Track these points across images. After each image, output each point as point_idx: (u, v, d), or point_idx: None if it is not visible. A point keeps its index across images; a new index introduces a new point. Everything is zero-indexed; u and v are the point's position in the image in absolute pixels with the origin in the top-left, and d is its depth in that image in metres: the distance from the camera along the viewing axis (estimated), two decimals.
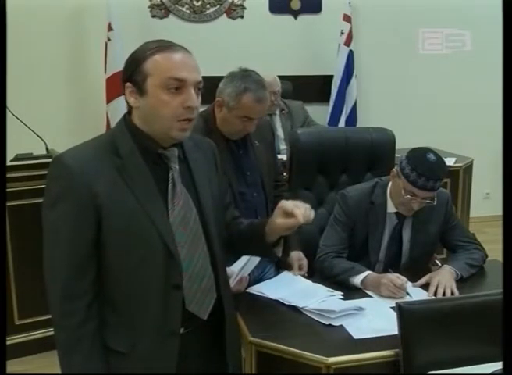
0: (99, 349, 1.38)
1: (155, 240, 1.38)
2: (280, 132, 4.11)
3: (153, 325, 1.41)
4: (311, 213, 1.55)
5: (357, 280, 2.16)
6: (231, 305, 1.60)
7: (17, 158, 3.09)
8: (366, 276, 2.15)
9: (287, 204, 1.52)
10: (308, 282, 2.22)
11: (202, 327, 1.50)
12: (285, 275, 2.29)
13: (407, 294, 2.07)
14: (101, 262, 1.39)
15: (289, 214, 1.51)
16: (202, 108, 2.34)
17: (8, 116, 3.20)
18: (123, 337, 1.41)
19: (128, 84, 1.40)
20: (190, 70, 1.39)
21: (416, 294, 2.09)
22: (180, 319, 1.43)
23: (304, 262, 2.35)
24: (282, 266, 2.38)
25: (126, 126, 1.44)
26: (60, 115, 4.48)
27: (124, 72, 1.43)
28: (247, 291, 2.14)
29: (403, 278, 2.09)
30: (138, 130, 1.42)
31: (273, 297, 2.07)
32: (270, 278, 2.31)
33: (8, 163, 2.91)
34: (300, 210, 1.51)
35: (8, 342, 2.59)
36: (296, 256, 2.33)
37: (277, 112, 4.16)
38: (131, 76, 1.40)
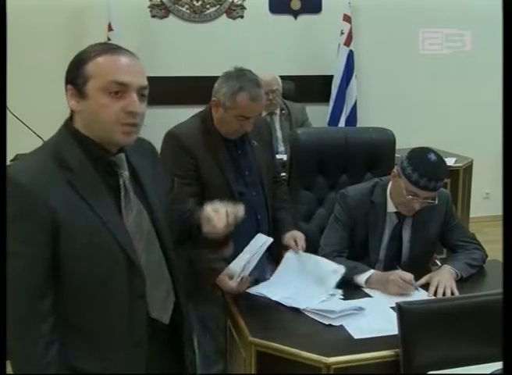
0: (66, 372, 1.33)
1: (116, 251, 1.34)
2: (279, 133, 4.10)
3: (119, 339, 1.38)
4: (232, 215, 1.60)
5: (361, 278, 2.17)
6: (186, 305, 1.59)
7: (17, 158, 3.09)
8: (371, 275, 2.16)
9: (207, 211, 1.59)
10: (314, 258, 2.20)
11: (161, 331, 1.48)
12: (286, 265, 2.26)
13: (416, 288, 2.08)
14: (60, 281, 1.32)
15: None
16: (201, 108, 2.36)
17: (9, 115, 3.20)
18: (87, 356, 1.36)
19: (69, 87, 1.34)
20: (133, 74, 1.34)
21: (416, 294, 2.10)
22: (146, 328, 1.41)
23: (299, 234, 2.29)
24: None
25: (70, 134, 1.37)
26: (60, 115, 4.47)
27: (66, 74, 1.36)
28: (247, 291, 2.14)
29: (410, 274, 2.10)
30: (83, 136, 1.36)
31: (274, 298, 2.07)
32: (269, 279, 2.31)
33: (9, 163, 2.90)
34: (218, 216, 1.57)
35: None
36: (290, 235, 2.29)
37: (277, 111, 4.14)
38: (73, 78, 1.34)
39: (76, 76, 1.33)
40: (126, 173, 1.41)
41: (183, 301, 1.55)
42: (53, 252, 1.30)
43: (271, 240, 2.12)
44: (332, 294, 2.10)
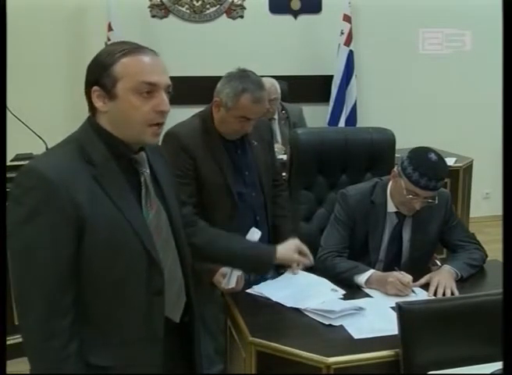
0: (83, 367, 1.33)
1: (138, 247, 1.36)
2: (279, 138, 4.09)
3: (136, 334, 1.39)
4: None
5: (361, 278, 2.17)
6: (197, 305, 1.60)
7: (17, 158, 3.09)
8: (371, 275, 2.16)
9: (304, 247, 1.97)
10: (312, 276, 2.19)
11: (172, 330, 1.49)
12: (286, 276, 2.28)
13: (413, 291, 2.08)
14: (82, 276, 1.32)
15: (302, 254, 1.94)
16: (201, 108, 2.36)
17: (9, 115, 3.20)
18: (104, 351, 1.36)
19: (96, 88, 1.34)
20: (160, 74, 1.36)
21: (416, 294, 2.09)
22: (162, 325, 1.42)
23: (304, 248, 2.13)
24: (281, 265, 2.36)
25: (93, 130, 1.38)
26: (60, 115, 4.48)
27: (89, 75, 1.37)
28: (247, 291, 2.14)
29: (409, 276, 2.10)
30: (108, 134, 1.37)
31: (274, 298, 2.06)
32: (269, 278, 2.30)
33: (8, 163, 2.91)
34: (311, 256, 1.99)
35: (8, 342, 2.59)
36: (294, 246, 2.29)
37: (276, 117, 4.12)
38: (98, 79, 1.34)
39: (102, 77, 1.34)
40: (147, 171, 1.42)
41: (194, 301, 1.56)
42: (77, 246, 1.30)
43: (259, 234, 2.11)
44: (333, 290, 2.10)
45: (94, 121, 1.39)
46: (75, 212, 1.28)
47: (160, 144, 2.23)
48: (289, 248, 1.95)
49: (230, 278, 2.02)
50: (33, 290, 1.29)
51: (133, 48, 1.36)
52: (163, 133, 2.25)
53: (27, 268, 1.29)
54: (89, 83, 1.37)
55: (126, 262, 1.35)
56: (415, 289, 2.11)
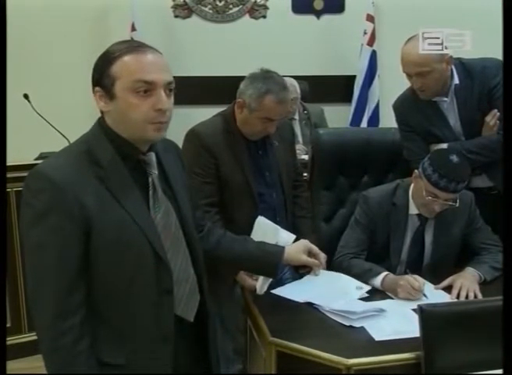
0: (94, 365, 1.34)
1: (145, 247, 1.37)
2: (300, 138, 4.08)
3: (146, 333, 1.40)
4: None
5: (376, 281, 2.15)
6: (212, 304, 1.61)
7: (41, 156, 3.13)
8: (384, 278, 2.14)
9: (314, 247, 1.89)
10: (334, 275, 2.17)
11: (186, 329, 1.49)
12: (308, 278, 2.26)
13: (424, 295, 2.06)
14: (91, 275, 1.34)
15: (312, 254, 1.87)
16: (223, 108, 2.36)
17: (34, 114, 3.25)
18: (116, 350, 1.38)
19: (97, 89, 1.36)
20: (159, 71, 1.35)
21: (438, 296, 2.08)
22: (173, 324, 1.42)
23: (314, 248, 2.03)
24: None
25: (103, 132, 1.39)
26: (84, 114, 4.51)
27: (92, 75, 1.38)
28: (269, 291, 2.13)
29: (421, 280, 2.08)
30: (116, 135, 1.38)
31: (296, 299, 2.06)
32: (288, 278, 2.29)
33: (32, 162, 2.95)
34: (322, 257, 1.90)
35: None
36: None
37: (297, 116, 4.11)
38: (99, 79, 1.36)
39: (102, 77, 1.35)
40: (155, 172, 1.43)
41: (208, 300, 1.57)
42: (84, 247, 1.32)
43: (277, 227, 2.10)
44: (358, 287, 2.09)
45: (103, 122, 1.41)
46: (81, 213, 1.30)
47: (182, 143, 2.26)
48: (297, 248, 1.89)
49: (264, 284, 2.00)
50: (43, 289, 1.32)
51: (132, 47, 1.36)
52: (185, 133, 2.29)
53: (36, 268, 1.32)
54: (93, 84, 1.38)
55: (134, 261, 1.36)
56: (431, 294, 2.08)
